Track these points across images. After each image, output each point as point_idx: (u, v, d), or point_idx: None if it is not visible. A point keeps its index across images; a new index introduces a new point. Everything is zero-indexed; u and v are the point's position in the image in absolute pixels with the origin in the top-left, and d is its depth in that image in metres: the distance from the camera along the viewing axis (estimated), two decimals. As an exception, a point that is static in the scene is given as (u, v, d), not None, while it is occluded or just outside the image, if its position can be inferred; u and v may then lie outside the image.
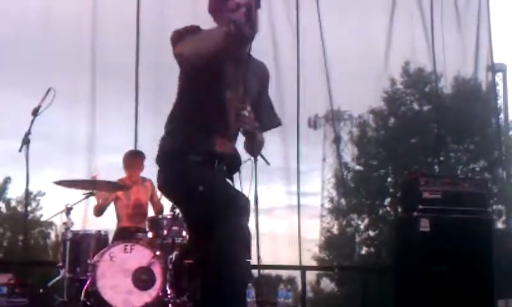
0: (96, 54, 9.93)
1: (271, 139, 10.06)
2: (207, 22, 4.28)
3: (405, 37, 11.42)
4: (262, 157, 7.29)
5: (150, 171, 8.33)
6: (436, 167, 13.45)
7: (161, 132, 10.00)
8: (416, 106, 16.30)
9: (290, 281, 13.37)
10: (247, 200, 4.15)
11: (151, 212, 8.15)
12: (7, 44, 9.68)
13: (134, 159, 8.18)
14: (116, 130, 10.28)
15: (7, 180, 17.29)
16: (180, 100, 4.24)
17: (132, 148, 9.12)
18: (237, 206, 3.99)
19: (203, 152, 4.08)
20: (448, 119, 13.09)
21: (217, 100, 4.12)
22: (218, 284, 3.81)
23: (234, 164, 4.30)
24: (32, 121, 6.53)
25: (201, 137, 4.10)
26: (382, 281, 11.59)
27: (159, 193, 8.24)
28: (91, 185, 7.25)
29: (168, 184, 4.26)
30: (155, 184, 8.03)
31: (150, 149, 8.49)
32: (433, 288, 7.53)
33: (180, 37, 4.05)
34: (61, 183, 6.99)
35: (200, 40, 4.00)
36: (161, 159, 4.27)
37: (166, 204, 7.86)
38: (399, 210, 9.06)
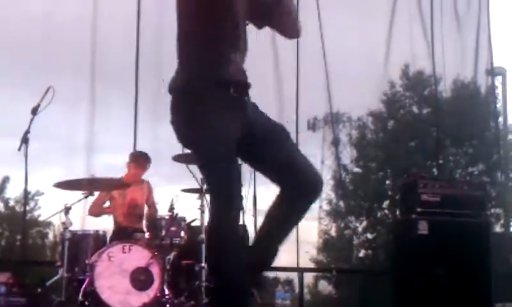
0: (96, 54, 9.94)
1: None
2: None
3: (405, 40, 11.43)
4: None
5: (149, 171, 8.38)
6: (434, 170, 13.47)
7: (161, 133, 10.05)
8: (415, 109, 16.34)
9: (288, 283, 13.37)
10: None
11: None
12: (7, 44, 9.69)
13: (142, 159, 8.25)
14: (115, 131, 10.29)
15: (5, 179, 17.33)
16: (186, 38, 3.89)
17: (131, 148, 9.15)
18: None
19: (217, 81, 3.75)
20: (447, 122, 13.11)
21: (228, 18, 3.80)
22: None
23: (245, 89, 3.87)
24: (31, 120, 6.54)
25: (215, 61, 3.78)
26: (380, 283, 11.60)
27: (155, 196, 8.30)
28: (91, 186, 7.24)
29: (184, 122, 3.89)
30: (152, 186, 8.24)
31: (149, 149, 8.59)
32: (431, 291, 7.54)
33: None
34: (60, 185, 6.98)
35: None
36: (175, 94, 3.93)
37: (161, 207, 7.89)
38: (398, 212, 9.04)
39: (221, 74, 3.76)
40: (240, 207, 3.93)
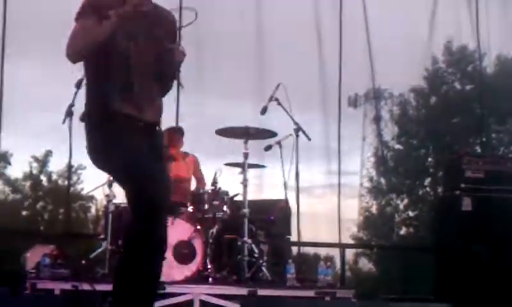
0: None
1: (312, 117, 10.13)
2: None
3: (449, 15, 11.28)
4: (304, 132, 7.34)
5: (191, 146, 8.38)
6: (477, 147, 13.34)
7: (203, 108, 10.06)
8: (458, 85, 16.17)
9: (329, 259, 13.36)
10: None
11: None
12: (52, 15, 9.76)
13: (173, 135, 8.14)
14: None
15: (48, 153, 17.50)
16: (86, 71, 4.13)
17: (173, 124, 9.14)
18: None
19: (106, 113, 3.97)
20: (490, 98, 12.94)
21: (118, 54, 3.97)
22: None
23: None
24: (75, 94, 6.55)
25: (103, 98, 3.99)
26: (421, 261, 11.55)
27: (202, 169, 8.28)
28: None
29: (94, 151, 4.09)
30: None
31: (192, 124, 8.57)
32: (474, 268, 7.47)
33: (77, 17, 3.95)
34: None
35: (85, 37, 3.92)
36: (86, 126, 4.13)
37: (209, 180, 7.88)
38: (440, 189, 8.97)
39: (109, 108, 3.95)
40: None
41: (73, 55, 3.95)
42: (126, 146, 3.92)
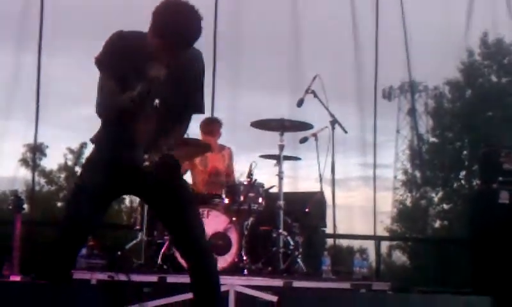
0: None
1: (347, 110, 10.10)
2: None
3: (486, 7, 11.18)
4: (340, 124, 7.32)
5: (226, 139, 8.37)
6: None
7: (238, 101, 10.07)
8: (494, 78, 16.03)
9: (362, 251, 13.33)
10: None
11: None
12: (87, 11, 9.85)
13: (210, 125, 8.11)
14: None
15: (83, 145, 17.62)
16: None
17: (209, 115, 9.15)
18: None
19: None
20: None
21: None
22: None
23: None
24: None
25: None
26: (456, 254, 11.49)
27: (234, 163, 8.27)
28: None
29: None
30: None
31: (227, 117, 8.57)
32: None
33: (98, 64, 4.03)
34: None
35: (107, 101, 4.01)
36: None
37: (239, 174, 7.90)
38: (477, 182, 8.89)
39: (107, 152, 4.11)
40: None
41: (103, 117, 4.09)
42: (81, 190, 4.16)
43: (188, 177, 8.04)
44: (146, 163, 3.98)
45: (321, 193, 7.63)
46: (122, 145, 4.04)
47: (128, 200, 17.50)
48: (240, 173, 8.09)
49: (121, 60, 3.94)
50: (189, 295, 4.30)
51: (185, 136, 4.92)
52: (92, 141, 4.21)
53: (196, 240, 4.19)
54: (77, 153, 18.08)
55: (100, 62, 3.99)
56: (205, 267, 4.19)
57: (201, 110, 4.25)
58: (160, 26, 3.81)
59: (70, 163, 18.31)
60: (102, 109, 4.02)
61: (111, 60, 3.96)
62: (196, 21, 3.81)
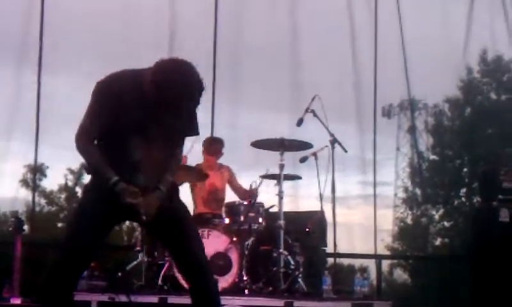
0: (174, 42, 10.01)
1: (347, 129, 10.11)
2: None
3: (484, 25, 11.21)
4: (339, 144, 7.32)
5: (226, 157, 8.38)
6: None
7: (238, 120, 10.08)
8: (493, 95, 16.05)
9: (363, 270, 13.31)
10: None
11: (228, 198, 8.11)
12: (88, 31, 9.88)
13: (214, 145, 8.19)
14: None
15: (83, 166, 17.62)
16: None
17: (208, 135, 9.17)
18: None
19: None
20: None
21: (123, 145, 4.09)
22: None
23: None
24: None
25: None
26: (457, 271, 11.47)
27: (237, 178, 8.27)
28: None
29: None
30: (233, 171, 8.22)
31: (226, 137, 8.59)
32: (512, 280, 7.42)
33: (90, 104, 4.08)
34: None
35: (89, 158, 4.16)
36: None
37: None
38: (477, 200, 8.90)
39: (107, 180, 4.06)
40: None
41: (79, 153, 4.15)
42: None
43: (187, 195, 8.09)
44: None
45: (321, 212, 7.63)
46: (121, 171, 4.05)
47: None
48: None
49: (112, 110, 3.99)
50: (190, 316, 4.30)
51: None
52: (86, 170, 4.30)
53: (196, 259, 4.21)
54: (78, 174, 18.04)
55: (91, 109, 4.05)
56: (205, 286, 4.21)
57: (197, 132, 4.31)
58: (164, 93, 3.85)
59: (70, 183, 18.29)
60: (77, 141, 4.09)
61: (101, 110, 4.02)
62: (199, 88, 3.90)
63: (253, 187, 7.32)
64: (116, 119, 3.98)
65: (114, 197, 4.01)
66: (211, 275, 4.30)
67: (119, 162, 4.04)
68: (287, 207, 7.55)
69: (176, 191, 4.33)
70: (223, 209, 7.48)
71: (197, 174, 7.67)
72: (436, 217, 16.02)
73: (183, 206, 4.38)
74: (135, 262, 7.28)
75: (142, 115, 3.98)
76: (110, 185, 3.96)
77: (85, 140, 4.06)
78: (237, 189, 8.10)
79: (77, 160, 16.68)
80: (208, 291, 4.22)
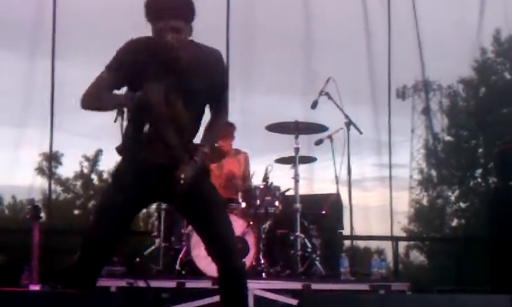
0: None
1: (362, 111, 10.09)
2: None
3: (498, 4, 11.14)
4: (355, 125, 7.31)
5: (240, 142, 8.37)
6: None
7: (252, 105, 10.05)
8: (507, 75, 15.97)
9: (380, 252, 13.30)
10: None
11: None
12: (101, 16, 9.89)
13: (225, 130, 8.11)
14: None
15: (99, 152, 17.68)
16: None
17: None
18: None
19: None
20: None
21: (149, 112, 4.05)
22: None
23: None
24: (126, 93, 6.58)
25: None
26: (474, 252, 11.44)
27: (251, 169, 8.25)
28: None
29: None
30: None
31: (241, 121, 8.57)
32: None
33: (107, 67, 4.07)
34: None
35: (96, 100, 4.08)
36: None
37: (255, 177, 7.87)
38: (493, 180, 8.87)
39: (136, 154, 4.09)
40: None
41: (85, 108, 4.13)
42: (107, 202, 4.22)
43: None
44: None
45: (337, 195, 7.62)
46: (153, 147, 4.05)
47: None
48: (255, 176, 8.06)
49: (135, 62, 4.01)
50: (208, 300, 4.32)
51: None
52: (118, 150, 4.19)
53: (226, 239, 4.23)
54: (93, 161, 18.14)
55: (109, 67, 4.04)
56: (233, 269, 4.20)
57: (221, 90, 4.45)
58: (150, 9, 3.95)
59: (86, 170, 18.38)
60: (85, 95, 4.07)
61: (122, 65, 4.02)
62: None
63: (268, 171, 7.30)
64: (137, 74, 3.99)
65: (144, 178, 4.02)
66: (239, 258, 4.33)
67: (151, 134, 4.02)
68: (303, 190, 7.57)
69: (207, 173, 4.32)
70: (239, 194, 7.46)
71: (215, 154, 7.54)
72: (452, 198, 15.95)
73: (214, 189, 4.37)
74: (152, 247, 7.31)
75: (159, 69, 4.00)
76: (135, 100, 3.93)
77: (95, 87, 4.05)
78: (245, 177, 8.03)
79: (92, 147, 17.02)
80: (236, 273, 4.21)
